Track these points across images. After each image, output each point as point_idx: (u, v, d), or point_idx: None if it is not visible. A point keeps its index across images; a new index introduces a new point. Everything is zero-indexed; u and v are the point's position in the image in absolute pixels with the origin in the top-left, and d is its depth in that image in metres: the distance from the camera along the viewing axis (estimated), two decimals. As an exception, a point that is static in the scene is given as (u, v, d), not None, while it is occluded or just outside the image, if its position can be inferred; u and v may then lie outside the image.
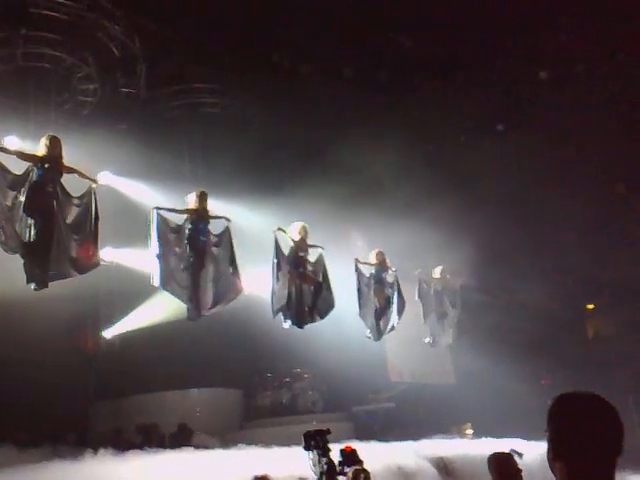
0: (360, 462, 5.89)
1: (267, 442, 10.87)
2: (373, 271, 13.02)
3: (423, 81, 14.98)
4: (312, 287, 11.59)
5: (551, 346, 17.45)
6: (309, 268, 11.63)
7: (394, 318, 13.18)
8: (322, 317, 11.71)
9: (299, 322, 11.40)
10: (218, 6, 12.95)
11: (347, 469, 5.71)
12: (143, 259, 10.11)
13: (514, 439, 10.92)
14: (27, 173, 8.45)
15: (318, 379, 17.11)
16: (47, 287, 8.61)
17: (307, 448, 5.64)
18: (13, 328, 11.78)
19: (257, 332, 13.86)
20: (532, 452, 7.06)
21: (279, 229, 11.20)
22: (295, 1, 13.30)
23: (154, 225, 9.59)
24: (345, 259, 12.64)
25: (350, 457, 5.86)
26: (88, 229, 8.91)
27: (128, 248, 10.72)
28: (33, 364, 13.16)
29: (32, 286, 8.51)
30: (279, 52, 14.24)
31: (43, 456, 9.34)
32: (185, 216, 10.10)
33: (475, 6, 13.22)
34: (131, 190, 10.86)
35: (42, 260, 8.48)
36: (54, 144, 8.61)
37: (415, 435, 13.73)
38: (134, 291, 12.84)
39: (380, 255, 13.09)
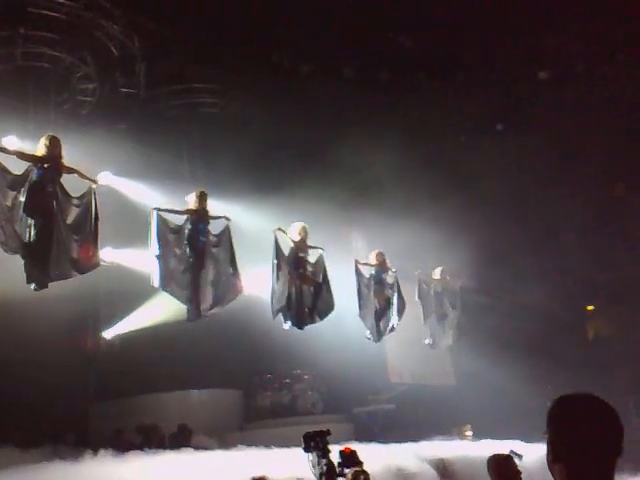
0: (360, 463, 5.88)
1: (267, 443, 10.85)
2: (373, 272, 13.01)
3: (423, 81, 14.97)
4: (312, 288, 11.58)
5: (551, 347, 17.43)
6: (309, 269, 11.62)
7: (394, 319, 13.17)
8: (322, 318, 11.70)
9: (299, 323, 11.39)
10: (217, 5, 12.94)
11: (347, 470, 5.69)
12: (143, 259, 10.10)
13: (514, 441, 10.90)
14: (27, 173, 8.44)
15: (318, 380, 17.10)
16: (47, 287, 8.61)
17: (307, 449, 5.63)
18: (13, 328, 11.78)
19: (257, 333, 13.84)
20: (532, 454, 7.03)
21: (279, 229, 11.20)
22: (295, 1, 13.29)
23: (154, 226, 9.59)
24: (345, 260, 12.63)
25: (350, 458, 5.84)
26: (88, 229, 8.91)
27: (128, 248, 10.71)
28: (33, 364, 13.16)
29: (32, 286, 8.50)
30: (279, 52, 14.24)
31: (43, 456, 9.34)
32: (185, 216, 10.10)
33: (475, 6, 13.21)
34: (131, 190, 10.85)
35: (42, 260, 8.47)
36: (54, 144, 8.60)
37: (415, 436, 13.72)
38: (134, 291, 12.83)
39: (380, 256, 13.09)
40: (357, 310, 12.63)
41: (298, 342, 12.59)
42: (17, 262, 8.39)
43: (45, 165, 8.51)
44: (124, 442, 12.28)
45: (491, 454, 5.71)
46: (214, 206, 10.54)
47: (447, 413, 16.12)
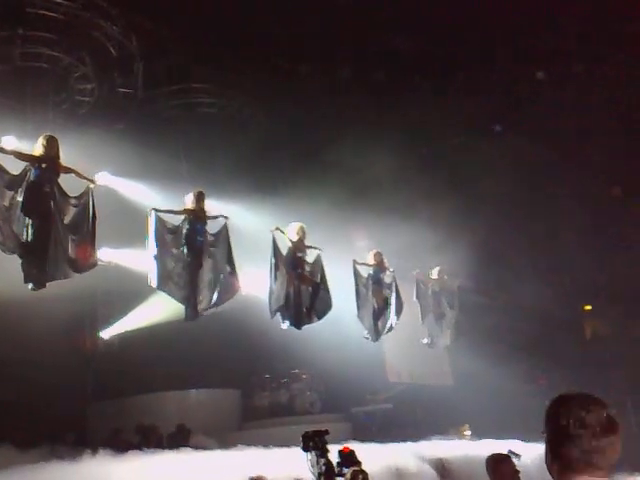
0: (358, 463, 5.89)
1: (265, 443, 10.86)
2: (371, 272, 13.02)
3: (422, 81, 14.96)
4: (310, 288, 11.60)
5: (548, 347, 17.45)
6: (307, 269, 11.64)
7: (392, 319, 13.19)
8: (320, 318, 11.72)
9: (297, 323, 11.41)
10: (216, 5, 12.92)
11: (345, 470, 5.70)
12: (141, 259, 10.11)
13: (512, 440, 10.91)
14: (24, 173, 8.45)
15: (316, 380, 17.10)
16: (45, 287, 8.62)
17: (305, 449, 5.64)
18: (11, 328, 11.77)
19: (255, 333, 13.84)
20: (530, 453, 7.04)
21: (277, 229, 11.21)
22: (294, 1, 13.28)
23: (152, 226, 9.60)
24: (343, 260, 12.63)
25: (348, 458, 5.85)
26: (86, 229, 8.92)
27: (126, 248, 10.71)
28: (31, 364, 13.15)
29: (30, 286, 8.51)
30: (277, 52, 14.22)
31: (41, 456, 9.32)
32: (182, 216, 10.10)
33: (474, 6, 13.21)
34: (129, 190, 10.86)
35: (40, 260, 8.48)
36: (51, 144, 8.61)
37: (413, 436, 13.72)
38: (132, 291, 12.83)
39: (378, 256, 13.10)
40: (355, 310, 12.64)
41: (296, 342, 12.60)
42: (14, 262, 8.39)
43: (43, 165, 8.51)
44: (122, 442, 12.27)
45: (489, 454, 5.71)
46: (212, 206, 10.55)
47: (445, 413, 16.13)
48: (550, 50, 14.88)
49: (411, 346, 15.32)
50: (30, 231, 8.37)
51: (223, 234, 10.47)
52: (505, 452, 5.91)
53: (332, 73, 14.79)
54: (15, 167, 8.41)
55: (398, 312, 13.21)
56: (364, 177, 14.90)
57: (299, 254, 11.49)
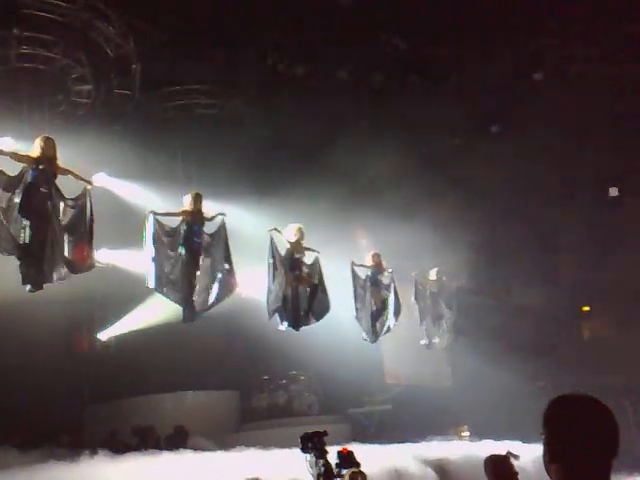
0: (357, 464, 5.87)
1: (263, 444, 10.86)
2: (369, 273, 13.01)
3: (421, 81, 14.96)
4: (308, 289, 11.59)
5: (547, 348, 17.45)
6: (305, 270, 11.62)
7: (390, 320, 13.18)
8: (317, 319, 11.72)
9: (295, 324, 11.40)
10: (214, 6, 12.92)
11: (344, 471, 5.69)
12: (139, 261, 10.10)
13: (511, 441, 10.90)
14: (21, 174, 8.44)
15: (314, 381, 17.09)
16: (42, 289, 8.61)
17: (304, 450, 5.63)
18: (8, 330, 11.75)
19: (253, 334, 13.83)
20: (528, 454, 7.04)
21: (274, 229, 11.19)
22: (292, 1, 13.28)
23: (149, 229, 9.59)
24: (342, 261, 12.63)
25: (347, 459, 5.84)
26: (83, 230, 8.91)
27: (123, 250, 10.70)
28: (28, 366, 13.13)
29: (27, 288, 8.50)
30: (275, 53, 14.22)
31: (39, 459, 9.33)
32: (180, 218, 10.10)
33: (472, 7, 13.22)
34: (126, 191, 10.86)
35: (37, 262, 8.47)
36: (48, 145, 8.59)
37: (412, 437, 13.72)
38: (129, 293, 12.81)
39: (376, 257, 13.10)
40: (353, 311, 12.63)
41: (294, 343, 12.59)
42: (12, 265, 8.37)
43: (40, 166, 8.50)
44: (120, 444, 12.27)
45: (488, 455, 5.71)
46: (210, 207, 10.54)
47: (444, 414, 16.12)
48: (549, 50, 14.89)
49: (409, 347, 15.31)
50: (27, 232, 8.36)
51: (221, 231, 10.46)
52: (504, 453, 5.90)
53: (331, 73, 14.78)
54: (12, 168, 8.40)
55: (396, 313, 13.19)
56: (363, 178, 14.90)
57: (297, 255, 11.47)
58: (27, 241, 8.35)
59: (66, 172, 8.85)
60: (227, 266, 10.38)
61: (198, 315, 10.25)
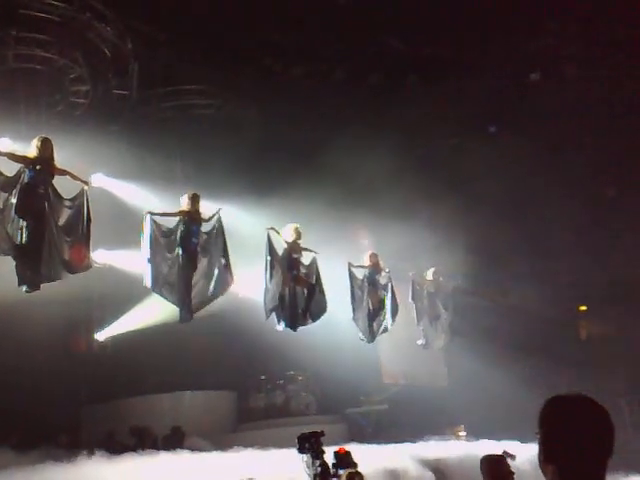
0: (354, 465, 5.88)
1: (261, 444, 10.85)
2: (367, 273, 13.01)
3: (418, 82, 14.97)
4: (305, 289, 11.59)
5: (544, 348, 17.46)
6: (302, 270, 11.62)
7: (387, 320, 13.18)
8: (315, 320, 11.72)
9: (292, 324, 11.40)
10: (211, 7, 12.92)
11: (341, 472, 5.70)
12: (136, 261, 10.09)
13: (507, 441, 10.92)
14: (18, 175, 8.42)
15: (311, 381, 17.09)
16: (39, 289, 8.59)
17: (301, 450, 5.64)
18: (5, 330, 11.72)
19: (250, 334, 13.82)
20: (524, 454, 7.05)
21: (272, 229, 11.19)
22: (289, 2, 13.27)
23: (146, 230, 9.59)
24: (339, 261, 12.63)
25: (344, 459, 5.85)
26: (80, 231, 8.89)
27: (121, 250, 10.70)
28: (26, 366, 13.11)
29: (24, 288, 8.48)
30: (272, 53, 14.22)
31: (36, 459, 9.32)
32: (177, 218, 10.09)
33: (470, 7, 13.22)
34: (123, 192, 10.84)
35: (34, 262, 8.45)
36: (45, 146, 8.58)
37: (408, 437, 13.73)
38: (127, 293, 12.80)
39: (374, 257, 13.10)
40: (350, 312, 12.64)
41: (291, 343, 12.59)
42: (9, 265, 8.36)
43: (37, 167, 8.48)
44: (117, 444, 12.26)
45: (484, 454, 5.71)
46: (207, 207, 10.53)
47: (440, 414, 16.13)
48: (547, 51, 14.91)
49: (406, 347, 15.32)
50: (24, 233, 8.35)
51: (217, 227, 10.44)
52: (500, 453, 5.91)
53: (327, 74, 14.79)
54: (9, 169, 8.39)
55: (393, 314, 13.20)
56: (360, 178, 14.90)
57: (295, 255, 11.47)
58: (24, 242, 8.34)
59: (63, 172, 8.84)
60: (224, 261, 10.36)
61: (194, 313, 10.23)
